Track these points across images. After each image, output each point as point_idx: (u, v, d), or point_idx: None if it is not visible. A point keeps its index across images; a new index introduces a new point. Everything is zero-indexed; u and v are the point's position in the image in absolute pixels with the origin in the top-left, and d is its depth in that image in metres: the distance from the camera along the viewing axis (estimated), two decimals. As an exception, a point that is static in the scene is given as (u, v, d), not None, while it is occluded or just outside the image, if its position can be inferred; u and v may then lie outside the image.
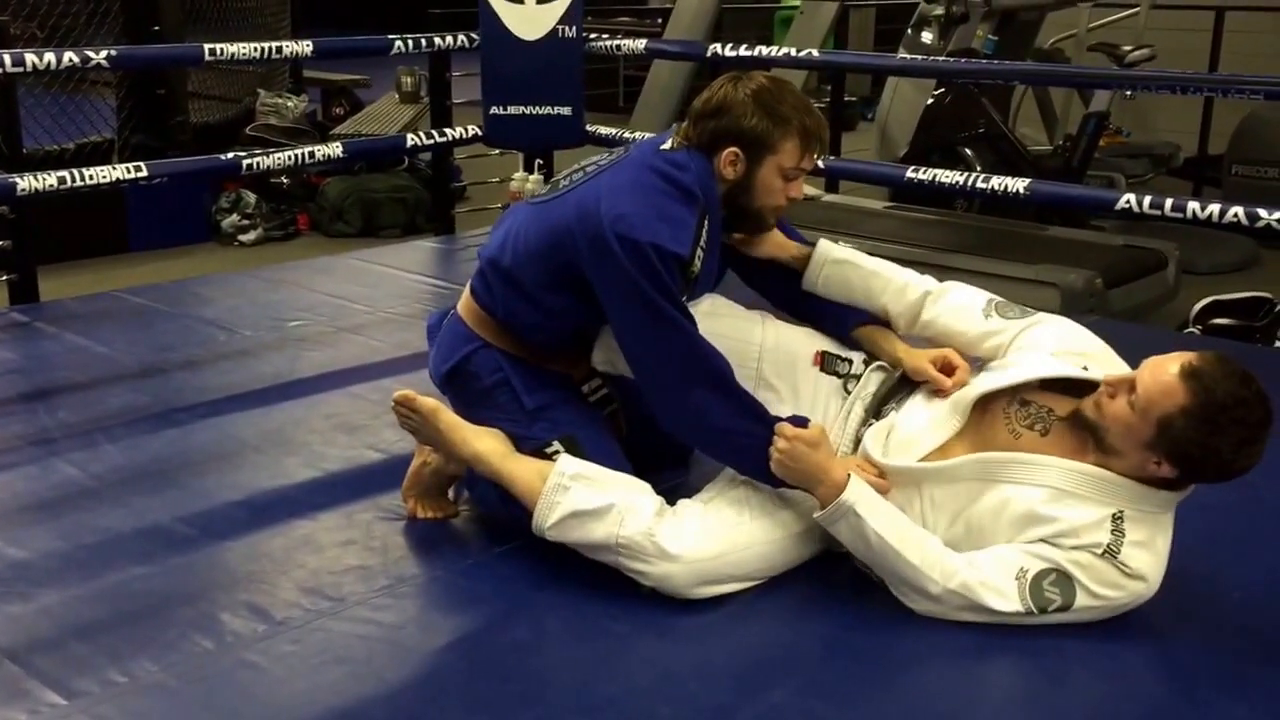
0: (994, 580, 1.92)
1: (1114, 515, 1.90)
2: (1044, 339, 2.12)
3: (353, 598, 2.05)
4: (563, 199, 2.14)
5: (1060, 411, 1.99)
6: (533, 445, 2.18)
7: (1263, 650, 1.94)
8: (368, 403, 2.92)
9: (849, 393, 2.20)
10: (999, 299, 2.23)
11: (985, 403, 2.05)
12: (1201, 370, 1.84)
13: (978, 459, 1.98)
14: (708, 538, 2.01)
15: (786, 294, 2.35)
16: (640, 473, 2.16)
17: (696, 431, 2.10)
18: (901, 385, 2.18)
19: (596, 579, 2.05)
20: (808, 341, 2.26)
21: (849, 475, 1.95)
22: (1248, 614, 2.05)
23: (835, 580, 2.08)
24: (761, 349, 2.22)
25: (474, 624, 2.02)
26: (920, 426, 2.07)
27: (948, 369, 2.14)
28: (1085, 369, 2.02)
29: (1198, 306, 4.03)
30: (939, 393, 2.11)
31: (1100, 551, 1.89)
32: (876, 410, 2.15)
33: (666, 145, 2.17)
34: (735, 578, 2.03)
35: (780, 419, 2.02)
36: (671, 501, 2.09)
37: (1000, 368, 2.11)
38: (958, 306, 2.22)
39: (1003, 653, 1.91)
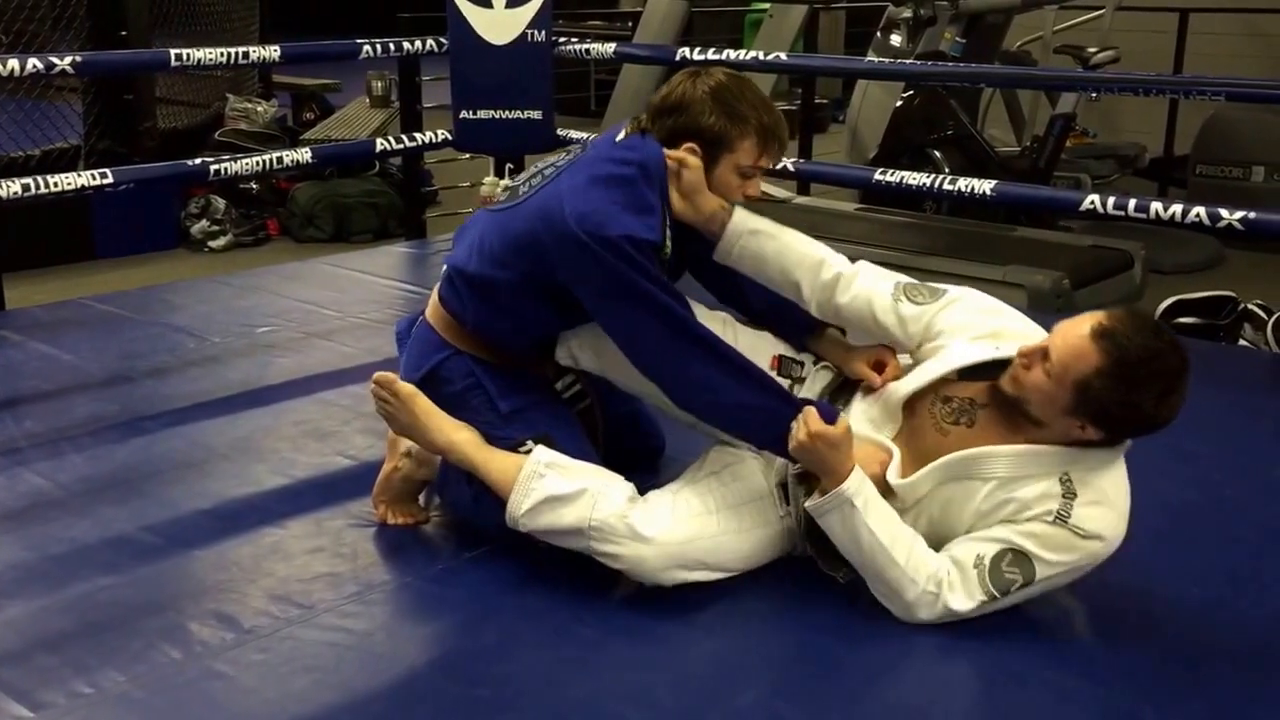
0: (959, 582, 1.93)
1: (1061, 479, 1.90)
2: (957, 321, 2.07)
3: (322, 605, 2.04)
4: (524, 205, 2.14)
5: (982, 400, 1.99)
6: (507, 444, 2.17)
7: (1223, 649, 1.96)
8: (338, 409, 2.91)
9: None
10: (908, 280, 2.15)
11: (912, 404, 2.05)
12: (1112, 329, 1.83)
13: (930, 470, 1.98)
14: (679, 522, 2.02)
15: (739, 297, 2.32)
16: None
17: (713, 409, 2.08)
18: (846, 386, 2.18)
19: (567, 584, 2.06)
20: (766, 346, 2.25)
21: (852, 469, 1.94)
22: (1209, 612, 2.07)
23: (804, 586, 2.08)
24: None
25: (444, 630, 2.03)
26: (863, 429, 2.06)
27: (879, 366, 2.15)
28: (997, 349, 2.00)
29: (1163, 305, 4.06)
30: (874, 392, 2.11)
31: (1051, 519, 1.89)
32: None
33: (620, 136, 2.17)
34: (706, 565, 2.03)
35: (810, 402, 2.00)
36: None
37: (918, 362, 2.10)
38: (867, 293, 2.13)
39: (969, 655, 1.92)
